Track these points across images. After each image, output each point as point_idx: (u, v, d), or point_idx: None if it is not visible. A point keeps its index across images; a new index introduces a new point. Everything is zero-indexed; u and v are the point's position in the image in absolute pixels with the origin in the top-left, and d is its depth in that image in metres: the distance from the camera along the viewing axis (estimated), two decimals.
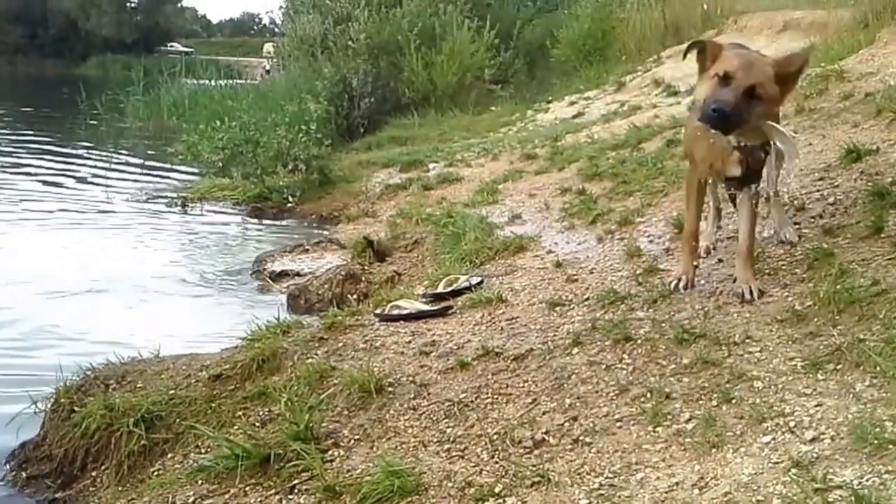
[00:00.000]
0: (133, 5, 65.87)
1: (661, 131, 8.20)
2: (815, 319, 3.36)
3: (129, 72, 25.45)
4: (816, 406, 2.82)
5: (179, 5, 71.48)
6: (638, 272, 4.45)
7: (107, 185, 12.59)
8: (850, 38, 8.17)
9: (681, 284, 4.04)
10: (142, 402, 3.99)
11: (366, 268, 6.98)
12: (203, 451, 3.64)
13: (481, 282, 4.98)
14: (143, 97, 22.00)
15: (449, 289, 4.98)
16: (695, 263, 4.13)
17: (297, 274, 7.49)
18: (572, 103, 13.34)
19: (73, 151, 17.25)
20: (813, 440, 2.65)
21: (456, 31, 16.38)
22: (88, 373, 4.48)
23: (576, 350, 3.67)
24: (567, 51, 16.78)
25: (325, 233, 9.14)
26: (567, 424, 3.14)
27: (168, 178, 13.76)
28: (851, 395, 2.81)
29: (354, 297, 6.05)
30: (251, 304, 6.86)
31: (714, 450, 2.76)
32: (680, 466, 2.73)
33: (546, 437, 3.09)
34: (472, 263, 5.63)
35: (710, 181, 4.19)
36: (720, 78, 3.52)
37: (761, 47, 10.79)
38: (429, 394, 3.59)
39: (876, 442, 2.49)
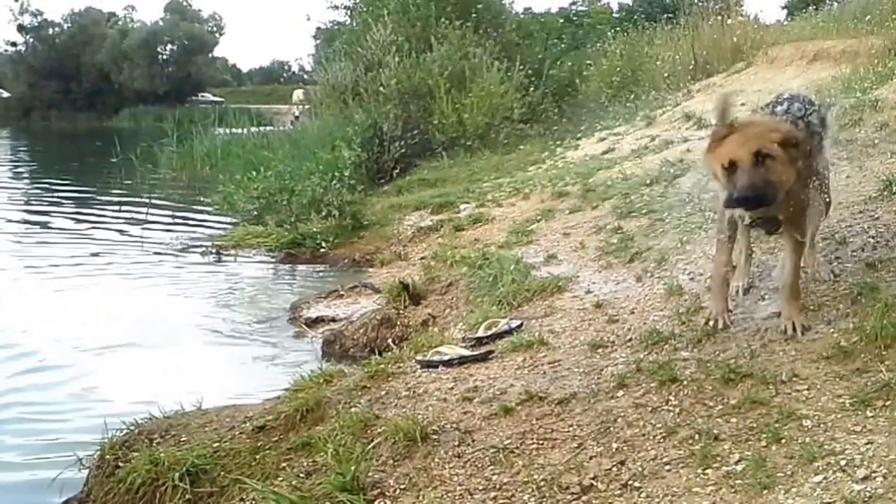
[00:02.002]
0: (165, 57, 67.18)
1: (694, 166, 8.16)
2: (862, 355, 3.34)
3: (160, 123, 25.86)
4: (867, 444, 2.78)
5: (210, 55, 72.60)
6: (680, 311, 4.42)
7: (142, 235, 12.72)
8: (882, 66, 8.14)
9: (720, 324, 4.02)
10: (186, 455, 4.00)
11: (401, 311, 6.98)
12: None
13: (521, 324, 4.97)
14: (176, 148, 22.32)
15: (489, 332, 4.97)
16: (728, 304, 4.11)
17: (333, 319, 7.49)
18: (602, 139, 13.25)
19: (109, 201, 17.53)
20: (865, 479, 2.62)
21: (485, 73, 16.47)
22: (132, 427, 4.49)
23: (621, 392, 3.65)
24: (596, 87, 16.81)
25: (359, 277, 9.16)
26: (615, 469, 3.11)
27: (202, 226, 13.87)
28: None
29: (390, 340, 6.06)
30: (288, 352, 6.88)
31: (765, 491, 2.73)
32: None
33: (594, 483, 3.07)
34: (510, 305, 5.60)
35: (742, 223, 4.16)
36: (728, 168, 3.54)
37: (791, 78, 10.84)
38: (473, 440, 3.57)
39: None
